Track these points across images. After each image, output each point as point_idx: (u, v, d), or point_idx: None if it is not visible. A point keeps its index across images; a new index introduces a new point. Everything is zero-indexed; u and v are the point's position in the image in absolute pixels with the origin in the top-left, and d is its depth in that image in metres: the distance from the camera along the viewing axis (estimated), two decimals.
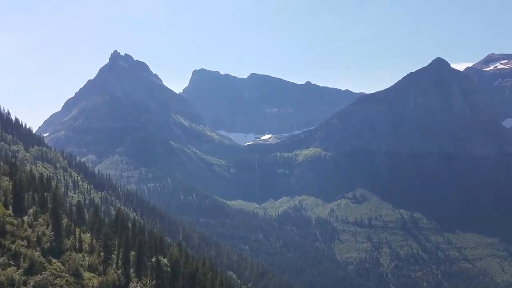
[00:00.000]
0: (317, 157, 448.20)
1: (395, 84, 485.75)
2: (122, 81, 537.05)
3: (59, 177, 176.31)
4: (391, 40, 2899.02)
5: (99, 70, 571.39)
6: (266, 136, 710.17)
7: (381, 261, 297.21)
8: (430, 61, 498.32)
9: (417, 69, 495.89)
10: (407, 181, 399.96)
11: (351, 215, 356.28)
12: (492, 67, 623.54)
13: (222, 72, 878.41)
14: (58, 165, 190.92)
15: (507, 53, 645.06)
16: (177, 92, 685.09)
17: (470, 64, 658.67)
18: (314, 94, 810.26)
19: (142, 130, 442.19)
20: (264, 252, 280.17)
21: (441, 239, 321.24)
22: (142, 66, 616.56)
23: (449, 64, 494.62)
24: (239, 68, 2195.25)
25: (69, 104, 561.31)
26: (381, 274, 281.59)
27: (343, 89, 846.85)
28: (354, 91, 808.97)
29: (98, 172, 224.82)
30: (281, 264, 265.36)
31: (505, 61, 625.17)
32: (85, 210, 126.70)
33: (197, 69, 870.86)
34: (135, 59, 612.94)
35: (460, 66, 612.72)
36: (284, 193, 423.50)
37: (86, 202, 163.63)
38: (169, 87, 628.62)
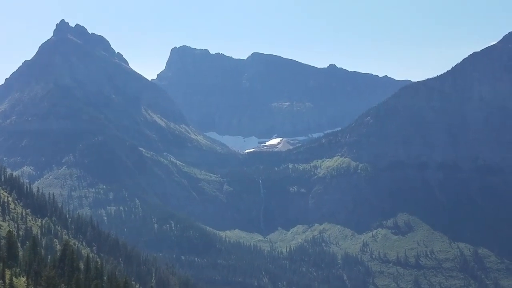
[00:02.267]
0: (344, 170, 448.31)
1: (453, 68, 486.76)
2: (72, 63, 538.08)
3: None
4: (448, 7, 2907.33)
5: (40, 48, 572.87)
6: (274, 141, 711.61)
7: None
8: (501, 37, 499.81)
9: (483, 48, 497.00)
10: (469, 204, 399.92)
11: (391, 251, 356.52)
12: None
13: (212, 51, 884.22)
14: None
15: None
16: (150, 79, 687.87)
17: None
18: (340, 83, 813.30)
19: (100, 132, 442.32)
20: None
21: None
22: (100, 42, 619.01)
23: None
24: (237, 46, 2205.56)
25: None
26: None
27: (380, 75, 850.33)
28: (396, 78, 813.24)
29: (38, 190, 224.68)
30: None
31: None
32: (19, 245, 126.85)
33: (177, 46, 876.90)
34: (90, 32, 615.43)
35: None
36: (299, 220, 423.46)
37: (21, 233, 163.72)
38: (139, 72, 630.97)
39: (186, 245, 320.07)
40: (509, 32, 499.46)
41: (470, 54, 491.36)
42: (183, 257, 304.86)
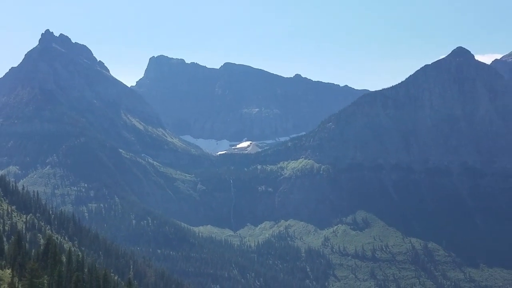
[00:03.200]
0: (308, 171, 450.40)
1: (406, 79, 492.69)
2: (56, 70, 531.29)
3: None
4: (402, 24, 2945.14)
5: (25, 56, 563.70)
6: (244, 144, 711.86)
7: None
8: (449, 51, 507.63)
9: (433, 61, 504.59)
10: (420, 203, 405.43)
11: (350, 245, 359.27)
12: None
13: (187, 61, 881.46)
14: None
15: None
16: (129, 86, 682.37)
17: (498, 56, 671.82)
18: (305, 91, 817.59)
19: (82, 135, 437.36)
20: None
21: (462, 275, 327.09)
22: (83, 50, 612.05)
23: (473, 56, 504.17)
24: (210, 56, 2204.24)
25: None
26: None
27: (341, 84, 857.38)
28: (355, 88, 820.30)
29: (23, 188, 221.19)
30: None
31: None
32: (5, 239, 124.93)
33: (155, 56, 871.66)
34: (73, 41, 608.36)
35: (486, 58, 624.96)
36: (266, 217, 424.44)
37: (6, 228, 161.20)
38: (118, 79, 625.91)
39: (162, 240, 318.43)
40: (457, 47, 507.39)
41: (422, 67, 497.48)
42: (159, 251, 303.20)
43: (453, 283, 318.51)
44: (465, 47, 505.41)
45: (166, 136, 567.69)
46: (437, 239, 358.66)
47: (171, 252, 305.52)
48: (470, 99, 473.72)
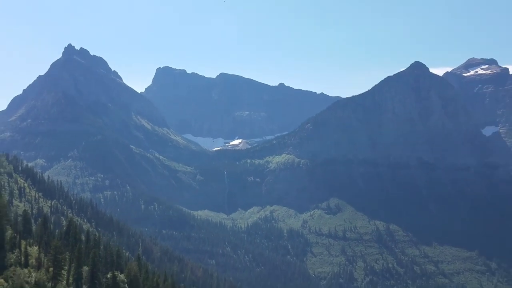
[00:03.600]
0: (290, 164, 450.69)
1: (372, 88, 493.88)
2: (77, 78, 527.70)
3: (3, 183, 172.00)
4: (369, 41, 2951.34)
5: (51, 65, 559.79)
6: (236, 141, 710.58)
7: (355, 275, 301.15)
8: (408, 65, 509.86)
9: (395, 72, 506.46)
10: (383, 191, 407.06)
11: (324, 227, 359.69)
12: (472, 72, 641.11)
13: (188, 71, 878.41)
14: (2, 170, 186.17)
15: (487, 58, 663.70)
16: (139, 92, 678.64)
17: (449, 69, 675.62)
18: (287, 97, 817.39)
19: (99, 133, 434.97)
20: (232, 267, 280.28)
21: (418, 252, 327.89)
22: (100, 62, 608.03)
23: (428, 69, 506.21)
24: (208, 67, 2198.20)
25: (15, 102, 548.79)
26: None
27: (318, 92, 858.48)
28: (329, 95, 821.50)
29: (48, 178, 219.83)
30: (250, 280, 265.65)
31: (486, 66, 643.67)
32: (33, 221, 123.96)
33: (161, 67, 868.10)
34: (91, 54, 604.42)
35: (439, 71, 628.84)
36: (255, 202, 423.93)
37: (34, 211, 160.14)
38: (130, 86, 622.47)
39: (166, 222, 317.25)
40: (414, 61, 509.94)
41: (385, 78, 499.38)
42: (164, 231, 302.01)
43: (410, 259, 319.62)
44: (422, 61, 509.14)
45: (170, 135, 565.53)
46: (397, 221, 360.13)
47: (174, 232, 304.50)
48: (425, 105, 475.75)
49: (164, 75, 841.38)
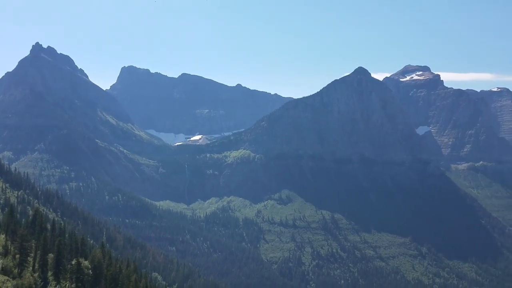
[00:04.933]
0: (246, 159, 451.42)
1: (321, 90, 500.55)
2: (44, 75, 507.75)
3: None
4: (319, 47, 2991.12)
5: (19, 63, 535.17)
6: (197, 137, 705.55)
7: (303, 260, 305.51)
8: (352, 70, 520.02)
9: (341, 76, 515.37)
10: (329, 184, 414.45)
11: (276, 216, 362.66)
12: (408, 78, 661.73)
13: (152, 71, 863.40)
14: None
15: (422, 65, 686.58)
16: (104, 89, 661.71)
17: (388, 74, 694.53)
18: (244, 97, 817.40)
19: (65, 127, 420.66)
20: (191, 253, 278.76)
21: (359, 238, 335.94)
22: (66, 60, 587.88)
23: (370, 74, 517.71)
24: (170, 68, 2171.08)
25: None
26: (303, 273, 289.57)
27: (272, 93, 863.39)
28: (282, 96, 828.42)
29: (15, 170, 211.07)
30: (207, 265, 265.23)
31: (420, 72, 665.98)
32: (0, 210, 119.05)
33: (126, 66, 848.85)
34: (58, 52, 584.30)
35: (379, 76, 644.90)
36: (213, 194, 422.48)
37: (1, 201, 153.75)
38: (96, 84, 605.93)
39: (129, 212, 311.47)
40: (358, 67, 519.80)
41: (332, 81, 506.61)
42: (127, 220, 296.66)
43: (352, 244, 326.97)
44: (364, 67, 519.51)
45: (134, 130, 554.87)
46: (341, 211, 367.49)
47: (137, 222, 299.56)
48: (367, 107, 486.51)
49: (129, 74, 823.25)
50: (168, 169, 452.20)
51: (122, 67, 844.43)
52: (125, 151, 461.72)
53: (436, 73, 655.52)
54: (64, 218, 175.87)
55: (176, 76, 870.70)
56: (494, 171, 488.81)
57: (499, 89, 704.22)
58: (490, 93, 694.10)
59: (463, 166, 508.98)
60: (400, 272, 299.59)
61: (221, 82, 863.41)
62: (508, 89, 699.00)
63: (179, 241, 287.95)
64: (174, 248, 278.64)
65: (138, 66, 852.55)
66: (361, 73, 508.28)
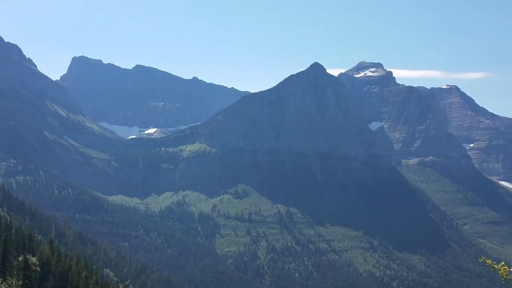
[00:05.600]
0: (202, 153, 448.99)
1: (277, 85, 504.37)
2: None
3: None
4: (275, 43, 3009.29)
5: None
6: (151, 130, 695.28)
7: (259, 254, 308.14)
8: (308, 65, 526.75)
9: (297, 71, 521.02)
10: (285, 178, 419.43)
11: (232, 210, 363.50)
12: (362, 74, 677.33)
13: (105, 61, 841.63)
14: None
15: (375, 62, 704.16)
16: (54, 80, 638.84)
17: (343, 70, 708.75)
18: (201, 90, 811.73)
19: (12, 119, 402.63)
20: (144, 248, 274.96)
21: (313, 232, 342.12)
22: (14, 49, 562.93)
23: (325, 69, 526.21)
24: (124, 59, 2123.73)
25: None
26: (258, 267, 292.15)
27: (229, 86, 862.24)
28: (239, 89, 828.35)
29: None
30: (161, 261, 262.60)
31: (374, 69, 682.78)
32: None
33: (77, 56, 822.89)
34: (6, 41, 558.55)
35: (334, 72, 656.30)
36: (168, 188, 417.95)
37: None
38: (45, 74, 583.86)
39: (80, 207, 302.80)
40: (314, 62, 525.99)
41: (289, 76, 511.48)
42: (77, 216, 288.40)
43: (306, 238, 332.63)
44: (320, 63, 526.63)
45: (85, 122, 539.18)
46: (296, 205, 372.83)
47: (88, 217, 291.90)
48: (322, 102, 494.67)
49: (80, 64, 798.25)
50: (121, 162, 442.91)
51: (73, 57, 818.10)
52: (75, 144, 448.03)
53: (388, 69, 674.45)
54: (11, 213, 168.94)
55: (130, 67, 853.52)
56: (443, 166, 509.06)
57: (448, 87, 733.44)
58: (440, 90, 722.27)
59: (413, 161, 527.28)
60: (352, 265, 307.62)
61: (177, 75, 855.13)
62: (456, 87, 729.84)
63: (132, 237, 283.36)
64: (127, 243, 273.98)
65: (90, 57, 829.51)
66: (316, 69, 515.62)
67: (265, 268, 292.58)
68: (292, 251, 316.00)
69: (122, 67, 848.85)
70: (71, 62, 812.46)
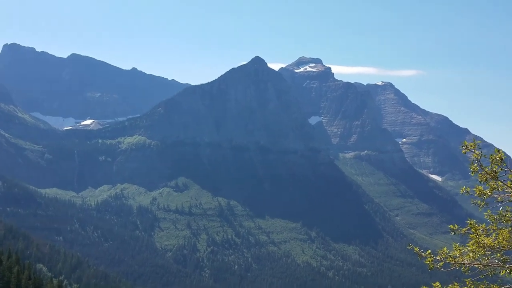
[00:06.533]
0: (141, 145, 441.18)
1: (219, 78, 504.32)
2: None
3: None
4: (217, 35, 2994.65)
5: None
6: (88, 122, 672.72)
7: (198, 247, 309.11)
8: (250, 59, 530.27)
9: (238, 65, 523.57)
10: (226, 171, 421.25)
11: (172, 203, 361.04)
12: (302, 69, 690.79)
13: (38, 49, 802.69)
14: None
15: (315, 57, 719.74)
16: None
17: (284, 65, 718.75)
18: (140, 81, 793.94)
19: None
20: (80, 243, 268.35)
21: (253, 224, 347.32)
22: None
23: (266, 64, 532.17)
24: (58, 47, 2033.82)
25: None
26: (198, 260, 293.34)
27: (169, 78, 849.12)
28: (180, 82, 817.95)
29: None
30: (98, 255, 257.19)
31: (313, 64, 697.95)
32: None
33: (8, 43, 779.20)
34: None
35: (275, 66, 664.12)
36: (105, 181, 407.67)
37: None
38: None
39: (11, 200, 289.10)
40: (255, 56, 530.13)
41: (230, 69, 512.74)
42: (8, 209, 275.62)
43: (246, 230, 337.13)
44: (261, 57, 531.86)
45: (17, 112, 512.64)
46: (237, 198, 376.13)
47: (20, 210, 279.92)
48: (263, 96, 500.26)
49: (11, 51, 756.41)
50: (56, 154, 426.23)
51: (4, 44, 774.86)
52: (6, 134, 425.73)
53: (327, 65, 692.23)
54: None
55: (65, 56, 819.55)
56: (377, 160, 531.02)
57: (383, 83, 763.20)
58: (375, 86, 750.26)
59: (350, 154, 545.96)
60: (290, 256, 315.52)
61: (115, 65, 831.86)
62: (391, 83, 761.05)
63: (67, 231, 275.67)
64: (61, 238, 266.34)
65: (22, 44, 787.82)
66: (258, 63, 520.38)
67: (205, 261, 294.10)
68: (232, 244, 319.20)
69: (56, 55, 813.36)
70: (1, 50, 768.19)
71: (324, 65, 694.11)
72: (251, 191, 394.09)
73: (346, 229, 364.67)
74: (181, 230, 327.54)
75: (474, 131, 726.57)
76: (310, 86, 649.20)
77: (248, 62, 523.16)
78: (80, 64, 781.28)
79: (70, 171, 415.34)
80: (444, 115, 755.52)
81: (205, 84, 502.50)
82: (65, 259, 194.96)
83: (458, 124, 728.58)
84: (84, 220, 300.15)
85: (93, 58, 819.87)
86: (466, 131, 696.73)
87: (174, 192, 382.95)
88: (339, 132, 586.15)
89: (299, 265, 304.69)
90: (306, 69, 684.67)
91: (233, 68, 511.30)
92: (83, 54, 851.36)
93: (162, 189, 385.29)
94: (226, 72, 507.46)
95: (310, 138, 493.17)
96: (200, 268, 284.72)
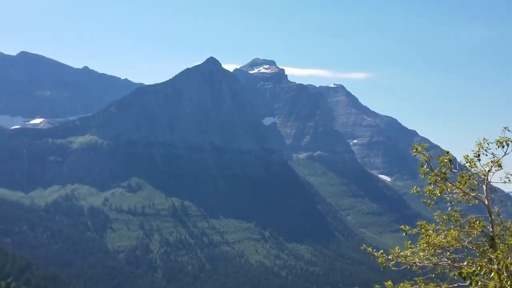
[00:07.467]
0: (93, 145, 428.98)
1: (173, 78, 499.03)
2: None
3: None
4: (171, 32, 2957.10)
5: None
6: (37, 120, 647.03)
7: (151, 248, 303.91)
8: (204, 60, 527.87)
9: (193, 65, 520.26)
10: (180, 171, 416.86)
11: (125, 204, 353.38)
12: (256, 70, 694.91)
13: None
14: None
15: (268, 59, 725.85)
16: None
17: (238, 66, 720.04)
18: (91, 80, 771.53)
19: None
20: (29, 244, 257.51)
21: (207, 225, 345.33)
22: None
23: (221, 64, 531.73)
24: (7, 44, 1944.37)
25: None
26: (151, 261, 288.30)
27: (122, 77, 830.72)
28: (133, 81, 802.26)
29: None
30: (47, 257, 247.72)
31: (267, 66, 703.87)
32: None
33: None
34: None
35: (230, 67, 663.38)
36: (55, 181, 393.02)
37: None
38: None
39: None
40: (210, 57, 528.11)
41: (185, 69, 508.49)
42: None
43: (200, 230, 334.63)
44: (216, 57, 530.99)
45: None
46: (191, 198, 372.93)
47: None
48: (217, 96, 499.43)
49: None
50: (3, 154, 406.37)
51: None
52: None
53: (281, 67, 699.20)
54: None
55: (14, 53, 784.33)
56: (329, 161, 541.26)
57: (335, 86, 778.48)
58: (327, 88, 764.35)
59: (303, 155, 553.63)
60: (244, 256, 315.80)
61: (66, 63, 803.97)
62: (343, 86, 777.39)
63: (15, 232, 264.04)
64: (9, 239, 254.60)
65: None
66: (212, 63, 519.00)
67: (158, 262, 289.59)
68: (186, 244, 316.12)
69: (5, 53, 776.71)
70: None
71: (278, 67, 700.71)
72: (205, 191, 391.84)
73: (299, 228, 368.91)
74: (133, 231, 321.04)
75: (421, 132, 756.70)
76: (264, 87, 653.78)
77: (203, 63, 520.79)
78: (30, 62, 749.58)
79: (18, 171, 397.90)
80: (393, 117, 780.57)
81: (159, 84, 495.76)
82: (13, 261, 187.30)
83: (407, 126, 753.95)
84: (33, 221, 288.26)
85: (43, 56, 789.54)
86: (414, 133, 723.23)
87: (127, 192, 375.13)
88: (292, 133, 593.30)
89: (252, 265, 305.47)
90: (260, 70, 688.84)
91: (187, 68, 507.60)
92: (33, 52, 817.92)
93: (114, 190, 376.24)
94: (180, 72, 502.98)
95: (264, 138, 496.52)
96: (153, 269, 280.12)
